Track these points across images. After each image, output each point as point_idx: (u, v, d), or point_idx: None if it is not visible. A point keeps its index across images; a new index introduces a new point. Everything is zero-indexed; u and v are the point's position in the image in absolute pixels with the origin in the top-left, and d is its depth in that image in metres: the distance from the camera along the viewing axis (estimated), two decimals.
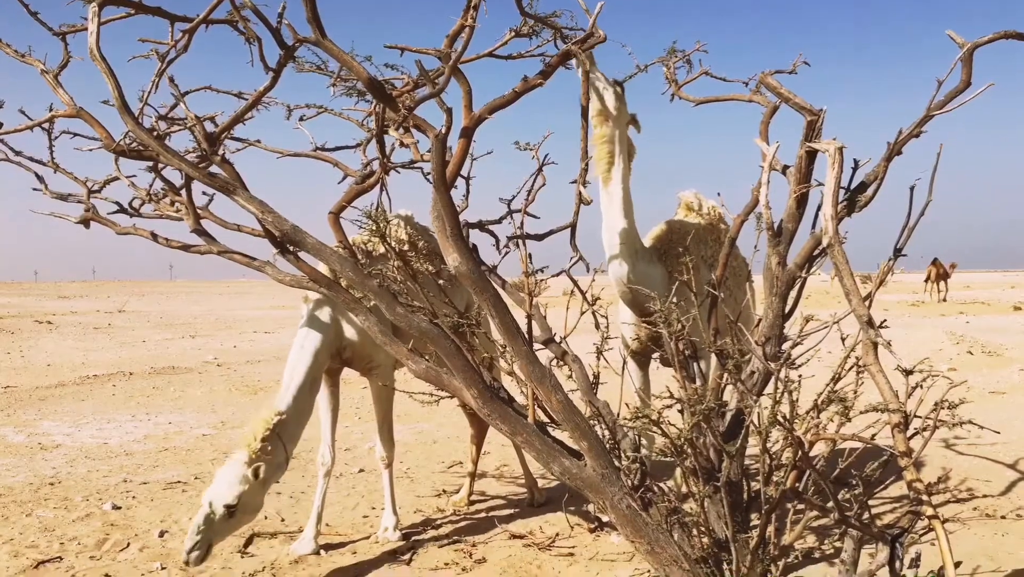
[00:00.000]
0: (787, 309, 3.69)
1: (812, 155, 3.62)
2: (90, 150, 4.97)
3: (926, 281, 36.18)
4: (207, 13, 3.89)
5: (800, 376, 3.21)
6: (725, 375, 3.71)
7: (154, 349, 17.70)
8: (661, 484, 3.69)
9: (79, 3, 4.05)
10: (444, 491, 6.50)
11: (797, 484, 3.15)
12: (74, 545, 5.16)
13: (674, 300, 3.81)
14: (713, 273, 5.00)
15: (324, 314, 5.02)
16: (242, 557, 4.94)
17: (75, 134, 5.06)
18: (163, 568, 4.77)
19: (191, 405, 10.80)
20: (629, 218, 4.83)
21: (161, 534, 5.37)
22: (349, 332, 5.06)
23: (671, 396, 3.18)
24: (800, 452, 2.84)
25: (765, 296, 3.77)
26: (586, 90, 3.97)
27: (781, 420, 2.80)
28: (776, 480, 3.16)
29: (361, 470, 7.26)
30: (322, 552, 4.97)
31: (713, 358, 4.14)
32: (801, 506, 3.28)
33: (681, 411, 3.46)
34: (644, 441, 3.96)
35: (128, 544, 5.21)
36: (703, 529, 3.47)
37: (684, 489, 4.27)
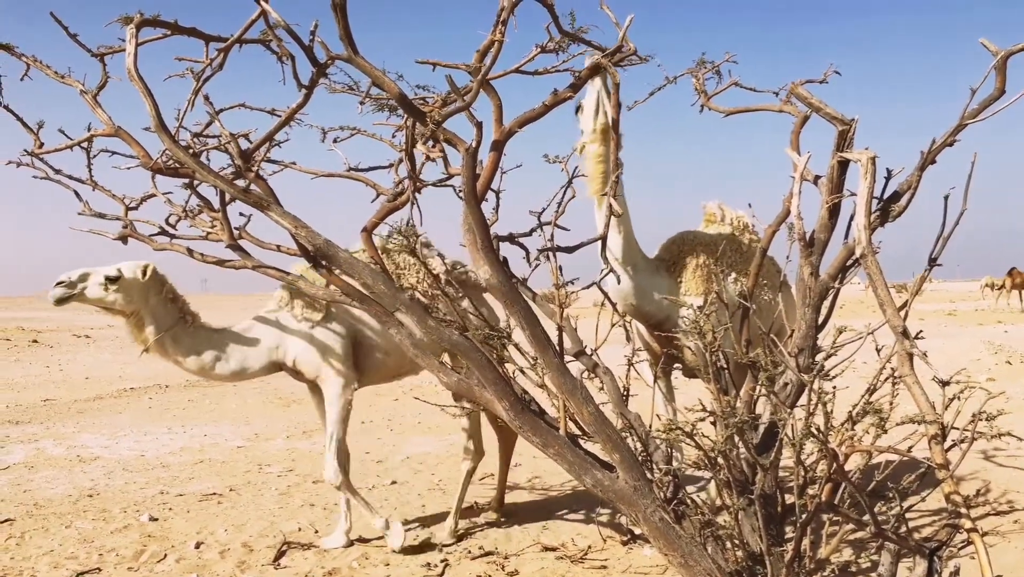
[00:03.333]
0: (820, 320, 3.67)
1: (844, 165, 3.60)
2: (128, 168, 5.05)
3: (1000, 289, 35.38)
4: (241, 32, 3.95)
5: (834, 388, 3.18)
6: (757, 387, 3.68)
7: None
8: (694, 496, 3.67)
9: (116, 25, 4.14)
10: (476, 503, 6.50)
11: (832, 497, 3.12)
12: (112, 556, 5.24)
13: (706, 312, 3.79)
14: (739, 284, 4.99)
15: (270, 322, 5.38)
16: (276, 569, 4.99)
17: (113, 152, 5.16)
18: None
19: (226, 417, 10.92)
20: (624, 233, 4.84)
21: (197, 545, 5.43)
22: (292, 345, 5.32)
23: (703, 408, 3.16)
24: (835, 465, 2.82)
25: (798, 307, 3.75)
26: (616, 103, 3.98)
27: (815, 432, 2.78)
28: (811, 493, 3.13)
29: (394, 482, 7.29)
30: (354, 564, 5.00)
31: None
32: (837, 519, 3.25)
33: (714, 423, 3.45)
34: (677, 453, 3.95)
35: (165, 555, 5.28)
36: (737, 542, 3.45)
37: (719, 502, 4.24)
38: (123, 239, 5.34)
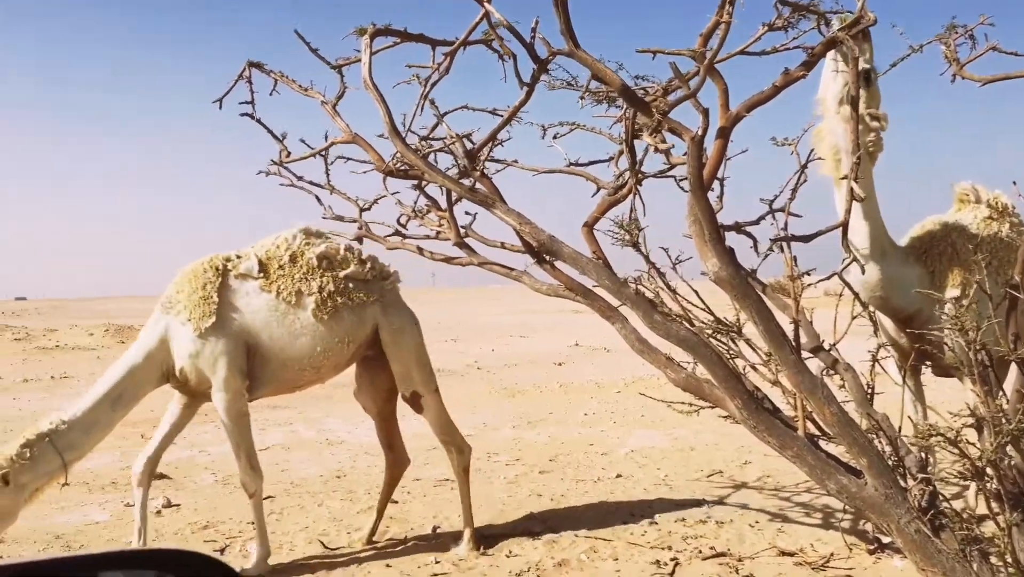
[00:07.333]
0: None
1: None
2: (364, 172, 5.36)
3: None
4: (467, 34, 4.04)
5: None
6: None
7: None
8: (954, 506, 3.32)
9: (351, 37, 4.39)
10: (705, 500, 6.33)
11: None
12: (359, 535, 5.59)
13: (963, 303, 3.41)
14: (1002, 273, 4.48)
15: (155, 332, 4.99)
16: (507, 557, 5.10)
17: (348, 159, 5.49)
18: (437, 561, 5.04)
19: (454, 406, 11.25)
20: (871, 219, 4.43)
21: (434, 529, 5.69)
22: (179, 354, 4.94)
23: (971, 413, 2.84)
24: None
25: None
26: (855, 78, 3.67)
27: None
28: None
29: (619, 476, 7.25)
30: (583, 557, 5.01)
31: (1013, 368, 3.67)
32: None
33: (978, 428, 3.10)
34: (931, 458, 3.60)
35: (405, 537, 5.58)
36: (1009, 560, 3.08)
37: (978, 510, 3.83)
38: (359, 240, 5.68)
